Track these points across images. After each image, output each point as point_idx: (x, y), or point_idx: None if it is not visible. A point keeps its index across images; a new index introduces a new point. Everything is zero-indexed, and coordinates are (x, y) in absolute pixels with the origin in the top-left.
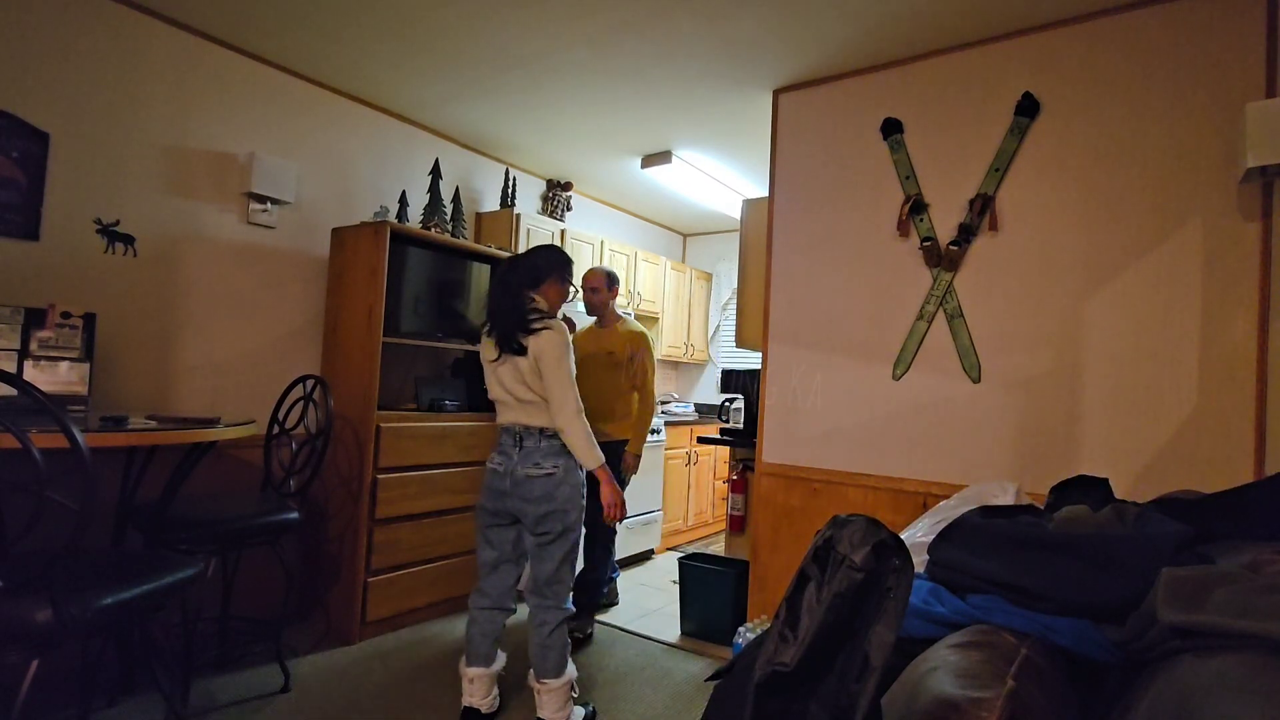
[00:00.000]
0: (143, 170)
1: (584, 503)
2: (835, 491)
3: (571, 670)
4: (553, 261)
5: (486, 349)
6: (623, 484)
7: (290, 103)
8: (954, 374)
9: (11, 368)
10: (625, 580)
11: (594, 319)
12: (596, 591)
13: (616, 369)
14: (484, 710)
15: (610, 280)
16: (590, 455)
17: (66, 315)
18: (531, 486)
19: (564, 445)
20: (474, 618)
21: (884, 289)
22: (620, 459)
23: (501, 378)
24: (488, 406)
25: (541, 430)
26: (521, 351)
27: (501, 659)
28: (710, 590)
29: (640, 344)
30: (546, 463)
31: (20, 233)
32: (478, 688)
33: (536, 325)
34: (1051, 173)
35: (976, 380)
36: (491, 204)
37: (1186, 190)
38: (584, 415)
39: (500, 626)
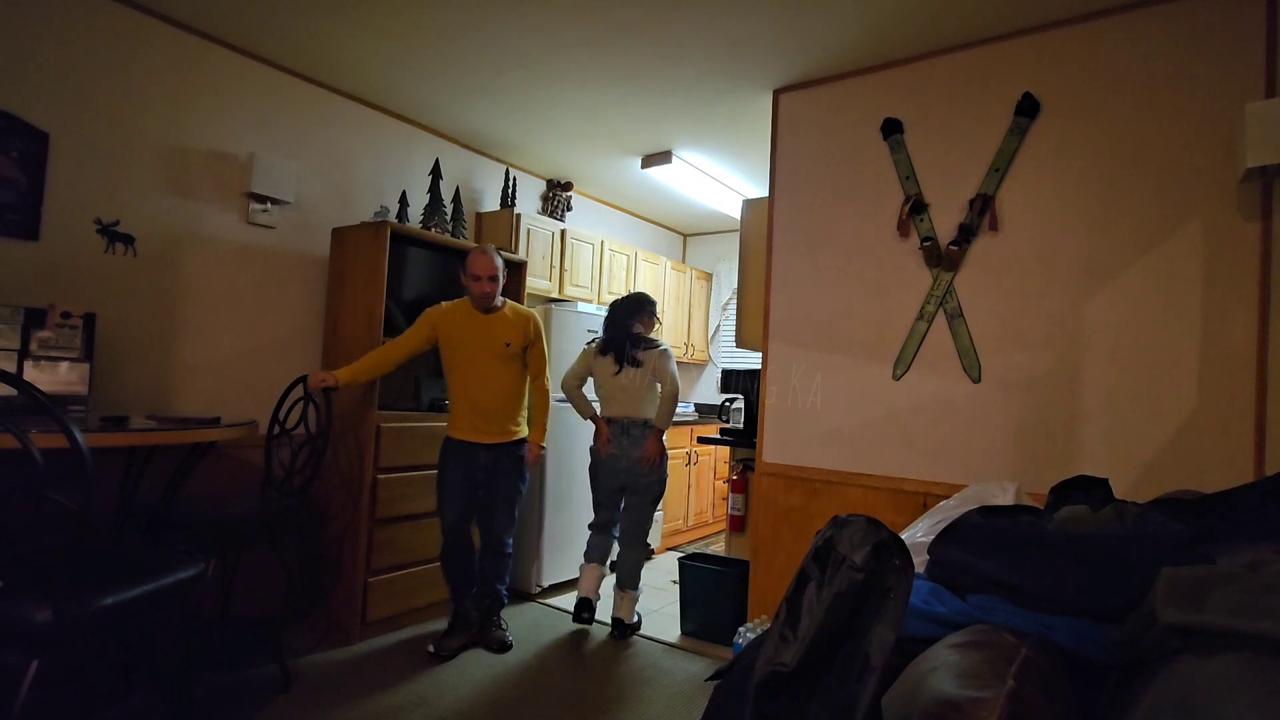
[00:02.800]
0: (143, 170)
1: (666, 471)
2: (835, 491)
3: (641, 589)
4: (646, 304)
5: (605, 365)
6: (524, 479)
7: (290, 103)
8: (954, 374)
9: (11, 368)
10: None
11: (475, 305)
12: (497, 601)
13: (514, 361)
14: (593, 600)
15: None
16: (669, 421)
17: (66, 315)
18: (640, 465)
19: (654, 432)
20: (591, 536)
21: (884, 289)
22: (521, 462)
23: (619, 382)
24: None
25: (645, 421)
26: (638, 363)
27: (608, 567)
28: (710, 590)
29: (538, 329)
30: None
31: (20, 233)
32: (589, 579)
33: (649, 345)
34: (1052, 173)
35: (976, 380)
36: (491, 204)
37: (1186, 190)
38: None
39: (610, 542)
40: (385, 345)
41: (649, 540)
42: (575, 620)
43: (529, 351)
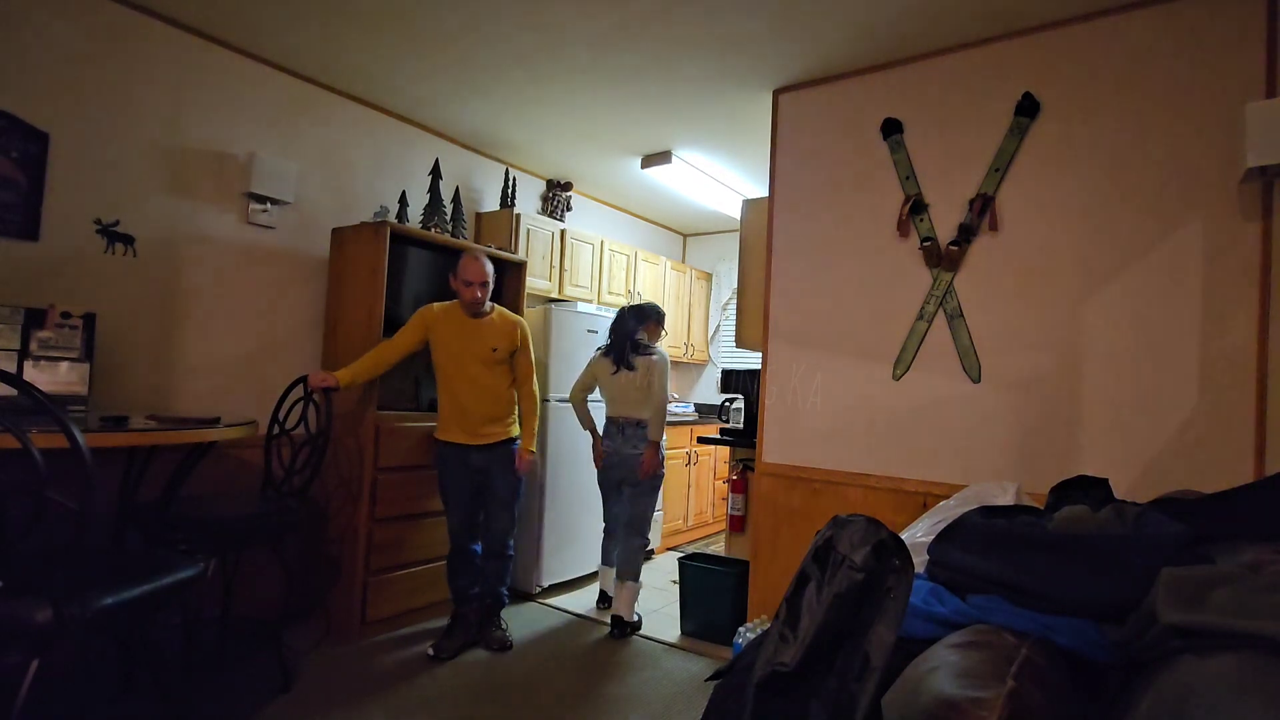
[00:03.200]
0: (143, 170)
1: (662, 470)
2: (835, 491)
3: (641, 582)
4: (651, 313)
5: (605, 365)
6: (520, 477)
7: (290, 103)
8: (954, 374)
9: (11, 368)
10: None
11: (464, 310)
12: (497, 601)
13: (500, 366)
14: (611, 594)
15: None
16: (660, 433)
17: (66, 315)
18: (629, 461)
19: (650, 445)
20: (605, 539)
21: (884, 289)
22: (514, 458)
23: (616, 382)
24: None
25: (638, 421)
26: (632, 368)
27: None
28: (710, 590)
29: (525, 335)
30: (641, 446)
31: (20, 233)
32: (607, 579)
33: (646, 351)
34: (1051, 173)
35: (976, 380)
36: (491, 204)
37: (1186, 190)
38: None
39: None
40: (381, 345)
41: (648, 538)
42: (599, 606)
43: (516, 357)
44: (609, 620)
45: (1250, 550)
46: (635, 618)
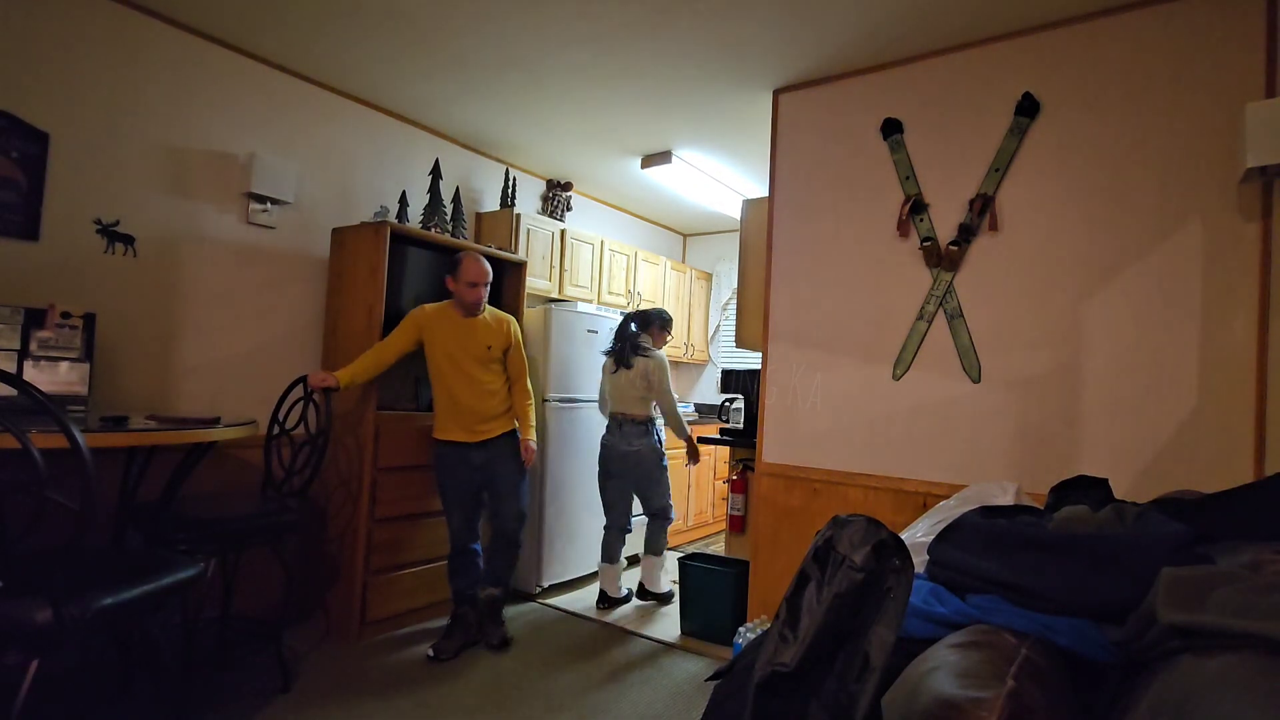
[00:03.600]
0: (143, 170)
1: (664, 462)
2: (835, 491)
3: (665, 557)
4: (654, 318)
5: (609, 365)
6: (525, 471)
7: (290, 103)
8: (954, 374)
9: (11, 368)
10: (627, 579)
11: (462, 310)
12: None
13: (495, 364)
14: (611, 595)
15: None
16: (684, 433)
17: (66, 315)
18: (627, 457)
19: (645, 429)
20: (605, 536)
21: (884, 289)
22: (517, 451)
23: (616, 381)
24: None
25: (634, 418)
26: (630, 366)
27: (624, 562)
28: (710, 590)
29: (517, 333)
30: (636, 442)
31: (20, 233)
32: (608, 578)
33: (643, 353)
34: (1051, 173)
35: (976, 380)
36: (491, 204)
37: (1186, 190)
38: (677, 406)
39: (623, 540)
40: (377, 346)
41: (671, 517)
42: (599, 606)
43: (509, 354)
44: (633, 592)
45: (1250, 550)
46: (663, 589)
